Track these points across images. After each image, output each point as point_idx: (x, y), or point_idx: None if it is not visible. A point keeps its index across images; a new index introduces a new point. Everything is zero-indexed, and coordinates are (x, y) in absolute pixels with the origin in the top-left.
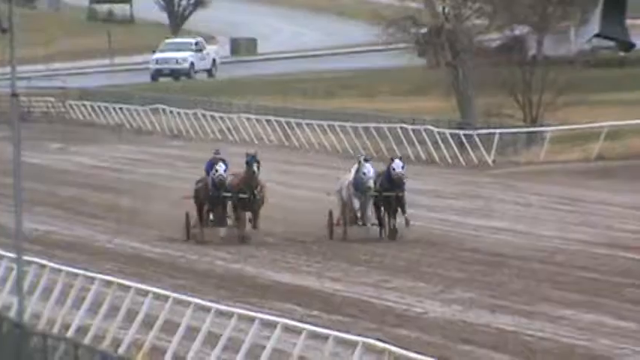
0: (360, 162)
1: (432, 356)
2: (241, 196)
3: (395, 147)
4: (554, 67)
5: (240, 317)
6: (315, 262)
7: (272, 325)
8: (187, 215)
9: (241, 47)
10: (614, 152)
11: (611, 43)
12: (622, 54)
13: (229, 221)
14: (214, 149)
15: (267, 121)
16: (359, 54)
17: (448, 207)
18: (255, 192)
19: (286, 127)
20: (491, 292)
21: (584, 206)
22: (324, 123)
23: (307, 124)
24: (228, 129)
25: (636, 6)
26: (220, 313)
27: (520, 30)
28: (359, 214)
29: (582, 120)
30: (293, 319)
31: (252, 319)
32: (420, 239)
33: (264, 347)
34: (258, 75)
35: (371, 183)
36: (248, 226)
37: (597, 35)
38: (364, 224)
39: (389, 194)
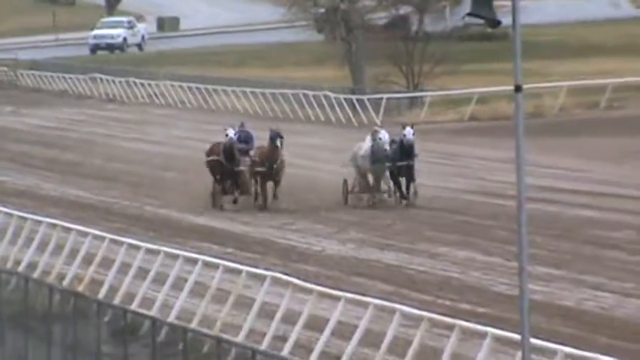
0: (374, 131)
1: (329, 287)
2: (259, 169)
3: (298, 109)
4: (433, 41)
5: (166, 255)
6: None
7: (193, 261)
8: (214, 183)
9: (166, 25)
10: (484, 114)
11: (481, 21)
12: (490, 30)
13: (236, 193)
14: (240, 122)
15: (189, 87)
16: (267, 30)
17: (341, 158)
18: (275, 165)
19: (205, 92)
20: (380, 233)
21: (460, 160)
22: (237, 89)
23: (222, 90)
24: (155, 94)
25: None
26: (149, 251)
27: (404, 9)
28: (374, 184)
29: (456, 86)
30: (211, 255)
31: (176, 257)
32: (316, 188)
33: (186, 280)
34: (180, 48)
35: (387, 146)
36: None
37: (469, 14)
38: (377, 191)
39: (402, 163)
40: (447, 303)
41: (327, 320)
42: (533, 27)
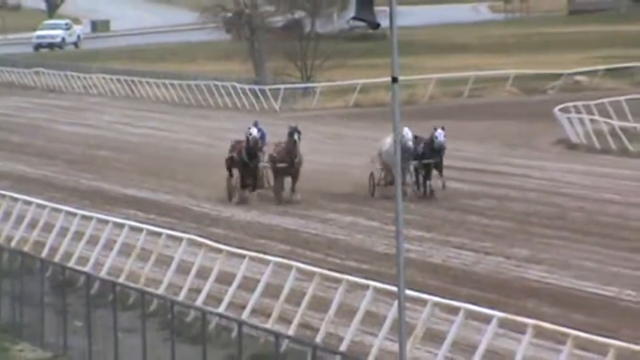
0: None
1: (236, 247)
2: (279, 165)
3: (209, 97)
4: (323, 40)
5: (98, 220)
6: (150, 180)
7: (121, 226)
8: (229, 178)
9: (98, 26)
10: (366, 101)
11: (363, 24)
12: (371, 31)
13: (266, 185)
14: (254, 121)
15: (117, 79)
16: (183, 31)
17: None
18: (295, 160)
19: (131, 83)
20: (280, 202)
21: (346, 140)
22: (158, 81)
23: (146, 82)
24: (89, 85)
25: None
26: (84, 217)
27: (298, 14)
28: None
29: (343, 78)
30: (136, 220)
31: (106, 222)
32: (222, 164)
33: (115, 241)
34: (110, 46)
35: (410, 144)
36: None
37: (353, 17)
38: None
39: (429, 161)
40: (336, 261)
41: (234, 275)
42: (408, 28)
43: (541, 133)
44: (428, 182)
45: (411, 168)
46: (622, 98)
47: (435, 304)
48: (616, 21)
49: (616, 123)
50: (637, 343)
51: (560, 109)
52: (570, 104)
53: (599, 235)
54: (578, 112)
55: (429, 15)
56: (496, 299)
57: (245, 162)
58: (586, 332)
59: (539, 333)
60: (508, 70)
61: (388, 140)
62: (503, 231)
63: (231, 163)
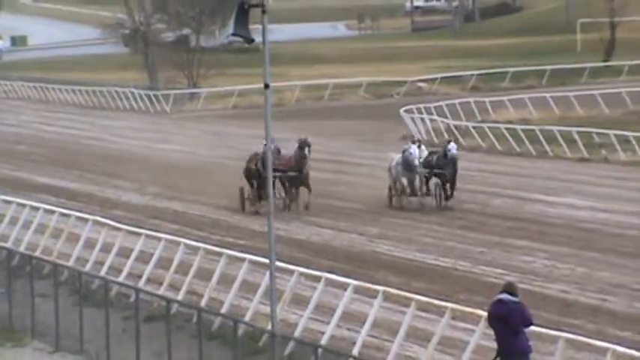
0: (413, 142)
1: (134, 227)
2: (291, 174)
3: (111, 101)
4: (207, 52)
5: (17, 204)
6: (61, 170)
7: (36, 209)
8: (242, 189)
9: (18, 41)
10: (243, 104)
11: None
12: (247, 45)
13: (277, 195)
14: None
15: (34, 86)
16: (89, 45)
17: (144, 137)
18: (304, 170)
19: (45, 90)
20: (170, 189)
21: (225, 136)
22: (68, 87)
23: (58, 88)
24: (9, 91)
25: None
26: (5, 202)
27: (185, 30)
28: (407, 189)
29: (223, 84)
30: (49, 204)
31: (24, 205)
32: (122, 157)
33: (32, 222)
34: (28, 58)
35: (416, 162)
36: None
37: (232, 34)
38: (414, 195)
39: (441, 171)
40: (218, 237)
41: (132, 250)
42: (277, 43)
43: (389, 130)
44: (441, 192)
45: (417, 181)
46: (456, 101)
47: (301, 273)
48: (451, 37)
49: (451, 122)
50: (469, 306)
51: (405, 111)
52: (413, 106)
53: (437, 215)
54: (420, 112)
55: (296, 32)
56: (351, 269)
57: (261, 173)
58: (426, 297)
59: (388, 298)
60: (361, 78)
61: (397, 156)
62: (357, 212)
63: (248, 174)
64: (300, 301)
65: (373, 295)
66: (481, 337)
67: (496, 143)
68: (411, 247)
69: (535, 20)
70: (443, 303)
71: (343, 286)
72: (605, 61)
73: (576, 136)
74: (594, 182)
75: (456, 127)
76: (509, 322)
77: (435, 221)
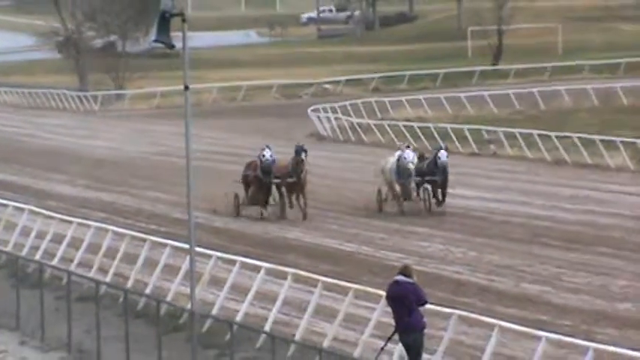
0: (401, 149)
1: (65, 215)
2: (289, 180)
3: (46, 101)
4: (132, 57)
5: None
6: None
7: None
8: (236, 195)
9: None
10: (165, 104)
11: (162, 45)
12: (168, 50)
13: (272, 201)
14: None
15: None
16: (25, 51)
17: (75, 134)
18: (302, 176)
19: None
20: (98, 181)
21: (149, 133)
22: (7, 89)
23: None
24: None
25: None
26: None
27: (112, 37)
28: (400, 194)
29: (147, 86)
30: None
31: None
32: (57, 151)
33: None
34: None
35: (411, 166)
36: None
37: (154, 40)
38: (408, 199)
39: (433, 178)
40: (142, 225)
41: (64, 236)
42: (196, 49)
43: (298, 128)
44: (433, 199)
45: (413, 184)
46: (359, 101)
47: (218, 257)
48: (353, 43)
49: (354, 120)
50: (371, 286)
51: (312, 110)
52: (320, 106)
53: (343, 205)
54: (326, 111)
55: (213, 39)
56: (264, 254)
57: (260, 179)
58: (332, 278)
59: (297, 279)
60: (272, 80)
61: (391, 159)
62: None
63: (246, 181)
64: (217, 283)
65: (284, 276)
66: (381, 314)
67: (395, 139)
68: (318, 234)
69: (430, 28)
70: (347, 284)
71: (256, 269)
72: (493, 65)
73: (467, 133)
74: (484, 175)
75: (358, 124)
76: (404, 301)
77: (342, 210)
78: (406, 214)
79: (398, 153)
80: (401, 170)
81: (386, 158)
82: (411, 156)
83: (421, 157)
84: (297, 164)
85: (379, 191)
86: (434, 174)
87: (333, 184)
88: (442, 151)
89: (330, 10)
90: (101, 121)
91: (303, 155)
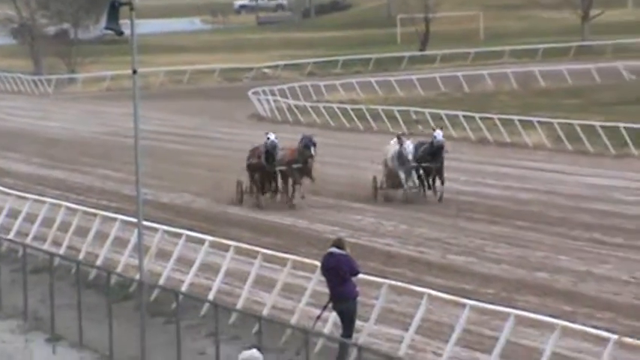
0: (399, 138)
1: (21, 192)
2: (295, 166)
3: (1, 85)
4: (84, 44)
5: None
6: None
7: None
8: (239, 182)
9: None
10: (115, 87)
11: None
12: (117, 37)
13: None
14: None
15: None
16: None
17: (30, 115)
18: (309, 161)
19: None
20: (52, 159)
21: (100, 115)
22: None
23: None
24: None
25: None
26: None
27: (65, 25)
28: (405, 182)
29: (98, 70)
30: None
31: None
32: (14, 132)
33: None
34: None
35: (410, 156)
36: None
37: (105, 27)
38: (399, 187)
39: (429, 165)
40: (94, 200)
41: (21, 212)
42: (144, 35)
43: (239, 109)
44: (433, 186)
45: (414, 174)
46: (296, 84)
47: (165, 231)
48: (291, 29)
49: (291, 102)
50: (308, 257)
51: (252, 92)
52: (259, 89)
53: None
54: (265, 94)
55: (159, 26)
56: (207, 227)
57: (263, 166)
58: (272, 250)
59: (239, 251)
60: (215, 65)
61: (391, 149)
62: (214, 181)
63: (251, 169)
64: (164, 255)
65: (226, 249)
66: (317, 284)
67: (330, 120)
68: (262, 210)
69: (361, 16)
70: (285, 255)
71: (201, 242)
72: (420, 50)
73: (397, 114)
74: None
75: (295, 106)
76: (338, 271)
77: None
78: (410, 201)
79: (394, 141)
80: (402, 160)
81: (385, 147)
82: (410, 147)
83: (419, 144)
84: (304, 152)
85: (374, 179)
86: (429, 161)
87: None
88: (437, 131)
89: None
90: (55, 103)
91: (312, 150)
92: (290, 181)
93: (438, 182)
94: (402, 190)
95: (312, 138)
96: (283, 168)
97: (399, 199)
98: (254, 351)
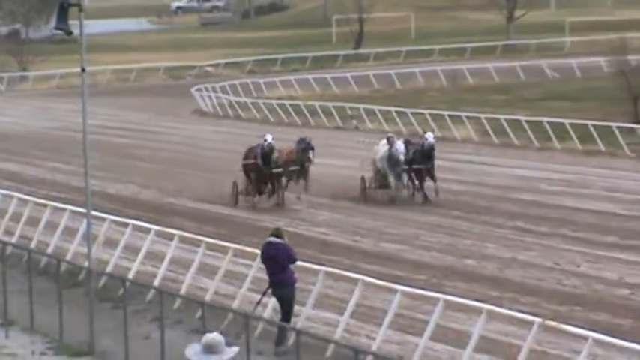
0: (388, 139)
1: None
2: (292, 169)
3: None
4: (35, 43)
5: None
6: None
7: None
8: (235, 184)
9: None
10: (65, 84)
11: (61, 32)
12: (67, 36)
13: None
14: (261, 134)
15: None
16: None
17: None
18: (306, 165)
19: None
20: (5, 152)
21: (52, 110)
22: None
23: None
24: None
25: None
26: None
27: (17, 25)
28: (393, 185)
29: (48, 68)
30: None
31: None
32: None
33: None
34: None
35: (402, 157)
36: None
37: (55, 27)
38: (387, 188)
39: (419, 167)
40: (45, 192)
41: None
42: (92, 35)
43: (183, 105)
44: (422, 188)
45: (404, 176)
46: (236, 82)
47: (112, 220)
48: (232, 30)
49: (232, 98)
50: (249, 246)
51: (196, 89)
52: (202, 86)
53: (223, 174)
54: (207, 91)
55: (107, 26)
56: (153, 217)
57: (260, 167)
58: (214, 239)
59: (183, 240)
60: (160, 63)
61: (381, 149)
62: (157, 171)
63: (246, 170)
64: (111, 243)
65: (171, 237)
66: (257, 271)
67: (269, 115)
68: (200, 200)
69: (299, 17)
70: (227, 244)
71: (147, 231)
72: (355, 49)
73: (333, 110)
74: (348, 146)
75: (236, 102)
76: (277, 259)
77: (224, 178)
78: (397, 202)
79: (383, 142)
80: (391, 160)
81: (375, 148)
82: (402, 148)
83: (407, 143)
84: (303, 152)
85: (362, 179)
86: (420, 162)
87: (215, 154)
88: (429, 134)
89: (198, 0)
90: (7, 100)
91: (310, 154)
92: (283, 181)
93: (430, 182)
94: (390, 191)
95: (310, 142)
96: (280, 170)
97: (384, 200)
98: (215, 334)
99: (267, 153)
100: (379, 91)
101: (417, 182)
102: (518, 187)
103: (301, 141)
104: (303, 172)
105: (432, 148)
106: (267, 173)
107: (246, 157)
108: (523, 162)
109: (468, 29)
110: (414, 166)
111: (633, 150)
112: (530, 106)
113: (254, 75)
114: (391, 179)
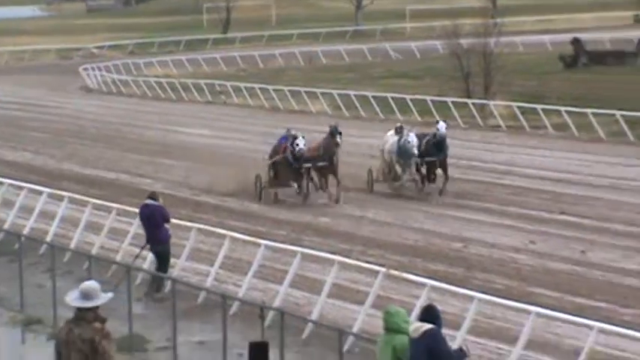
0: (396, 129)
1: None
2: (321, 164)
3: None
4: None
5: None
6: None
7: None
8: (258, 177)
9: None
10: None
11: None
12: None
13: (295, 185)
14: (287, 127)
15: None
16: None
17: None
18: (334, 158)
19: None
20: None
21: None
22: None
23: None
24: None
25: None
26: None
27: None
28: (402, 176)
29: None
30: None
31: None
32: None
33: None
34: None
35: (415, 150)
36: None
37: None
38: (413, 180)
39: (432, 159)
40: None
41: None
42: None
43: (71, 82)
44: (434, 179)
45: (412, 167)
46: (119, 62)
47: (9, 184)
48: (115, 16)
49: (115, 76)
50: (130, 207)
51: (83, 68)
52: (89, 65)
53: (109, 143)
54: (94, 70)
55: (4, 12)
56: (46, 181)
57: (290, 163)
58: (101, 200)
59: (72, 201)
60: (51, 45)
61: (390, 140)
62: (48, 140)
63: (276, 165)
64: (8, 204)
65: (61, 199)
66: (137, 228)
67: (147, 91)
68: (89, 166)
69: (174, 5)
70: (111, 204)
71: (39, 193)
72: (223, 33)
73: (204, 86)
74: (217, 118)
75: (119, 80)
76: (153, 219)
77: (107, 147)
78: (402, 193)
79: (391, 132)
80: (402, 152)
81: (384, 138)
82: (415, 140)
83: (418, 136)
84: (330, 147)
85: (370, 171)
86: (432, 154)
87: (99, 125)
88: (441, 123)
89: None
90: None
91: (338, 138)
92: (314, 176)
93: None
94: (399, 183)
95: (338, 127)
96: (309, 165)
97: (391, 192)
98: (92, 282)
99: (297, 156)
100: (244, 71)
101: (431, 174)
102: (362, 153)
103: (331, 132)
104: (331, 168)
105: (444, 138)
106: (296, 169)
107: (272, 154)
108: (370, 132)
109: (322, 16)
110: (427, 159)
111: (466, 122)
112: (376, 83)
113: (134, 56)
114: (398, 169)
